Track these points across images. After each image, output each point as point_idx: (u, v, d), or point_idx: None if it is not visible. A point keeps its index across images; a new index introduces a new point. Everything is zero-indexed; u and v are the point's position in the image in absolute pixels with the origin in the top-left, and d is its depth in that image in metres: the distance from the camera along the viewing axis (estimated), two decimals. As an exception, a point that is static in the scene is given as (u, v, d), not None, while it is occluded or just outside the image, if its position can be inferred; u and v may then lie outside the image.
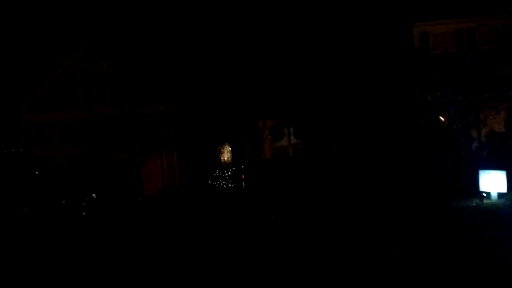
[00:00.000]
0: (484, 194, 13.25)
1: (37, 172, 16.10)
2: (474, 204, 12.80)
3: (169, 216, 13.36)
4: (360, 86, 19.18)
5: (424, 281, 7.33)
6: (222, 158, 23.85)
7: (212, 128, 23.17)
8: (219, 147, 23.72)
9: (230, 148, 23.08)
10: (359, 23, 18.40)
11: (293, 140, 22.87)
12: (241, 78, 19.90)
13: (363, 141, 20.42)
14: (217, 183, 21.73)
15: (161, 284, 8.02)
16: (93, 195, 13.90)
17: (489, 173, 13.60)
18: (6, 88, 24.24)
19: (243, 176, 20.83)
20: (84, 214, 13.59)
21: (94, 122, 20.13)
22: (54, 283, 8.42)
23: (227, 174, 21.61)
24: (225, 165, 23.18)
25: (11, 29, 27.76)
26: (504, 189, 13.28)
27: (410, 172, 18.41)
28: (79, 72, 20.86)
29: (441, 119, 15.42)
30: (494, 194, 13.38)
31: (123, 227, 12.59)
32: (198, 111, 21.38)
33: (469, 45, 20.21)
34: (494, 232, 9.67)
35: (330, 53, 19.23)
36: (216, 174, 21.97)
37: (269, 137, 22.42)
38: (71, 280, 8.49)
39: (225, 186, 21.44)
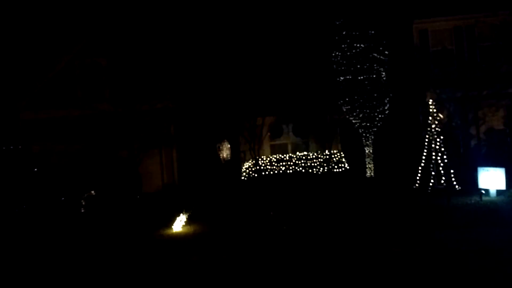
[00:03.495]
0: (483, 191, 13.24)
1: (36, 169, 16.06)
2: (472, 201, 12.79)
3: (167, 213, 13.33)
4: (359, 82, 19.13)
5: (420, 278, 7.34)
6: (221, 155, 23.85)
7: (211, 125, 23.19)
8: (218, 144, 23.72)
9: (229, 145, 23.07)
10: (358, 21, 18.37)
11: (292, 137, 22.89)
12: (241, 75, 19.87)
13: (361, 138, 20.38)
14: (215, 180, 21.76)
15: (158, 282, 8.01)
16: (92, 192, 13.87)
17: (488, 170, 13.58)
18: (5, 85, 24.21)
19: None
20: (83, 211, 13.55)
21: (93, 119, 20.11)
22: (53, 281, 8.41)
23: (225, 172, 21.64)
24: (224, 162, 23.20)
25: (10, 26, 27.70)
26: (503, 186, 13.27)
27: (409, 169, 18.41)
28: (78, 69, 20.84)
29: (440, 116, 15.41)
30: (493, 191, 13.37)
31: (121, 224, 12.58)
32: (197, 108, 21.38)
33: (468, 42, 20.22)
34: (493, 229, 9.67)
35: (328, 50, 19.21)
36: (214, 171, 21.99)
37: (268, 134, 22.42)
38: (70, 278, 8.49)
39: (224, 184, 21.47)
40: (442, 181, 14.38)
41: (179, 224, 11.27)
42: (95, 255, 9.55)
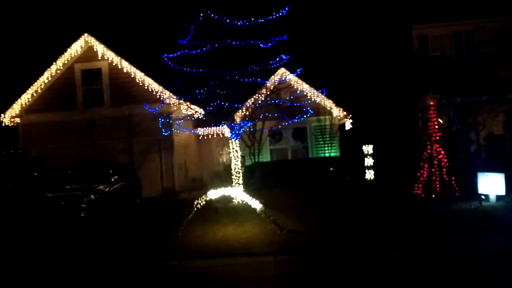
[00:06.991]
0: (483, 197, 13.24)
1: (35, 173, 16.07)
2: (472, 206, 12.79)
3: (166, 218, 13.33)
4: (359, 88, 19.20)
5: (418, 283, 7.35)
6: (221, 159, 23.85)
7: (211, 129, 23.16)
8: (218, 149, 23.73)
9: (228, 150, 23.07)
10: (359, 26, 18.47)
11: (292, 142, 22.92)
12: (239, 77, 19.80)
13: (361, 143, 20.42)
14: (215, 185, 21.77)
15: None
16: (92, 196, 13.85)
17: (487, 175, 13.58)
18: (5, 87, 24.24)
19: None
20: (83, 215, 13.53)
21: (93, 123, 20.14)
22: (52, 284, 8.41)
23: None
24: (224, 166, 23.23)
25: (11, 29, 27.77)
26: (502, 192, 13.27)
27: (409, 174, 18.43)
28: (78, 73, 20.88)
29: (440, 121, 15.43)
30: (492, 197, 13.37)
31: (120, 229, 12.57)
32: (196, 112, 21.34)
33: (468, 47, 20.30)
34: (492, 234, 9.68)
35: (330, 56, 19.30)
36: (213, 175, 22.02)
37: (268, 138, 22.45)
38: (69, 281, 8.49)
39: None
40: (442, 186, 14.38)
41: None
42: (93, 264, 9.52)
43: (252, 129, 20.72)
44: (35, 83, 20.73)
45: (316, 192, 17.19)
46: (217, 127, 22.98)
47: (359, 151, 20.69)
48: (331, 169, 20.62)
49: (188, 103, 20.04)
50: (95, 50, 20.54)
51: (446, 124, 17.33)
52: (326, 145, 21.64)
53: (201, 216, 11.87)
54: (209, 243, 10.12)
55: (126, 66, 20.33)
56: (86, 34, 20.60)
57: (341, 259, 8.68)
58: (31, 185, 14.98)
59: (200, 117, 21.61)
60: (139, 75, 20.23)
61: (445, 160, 14.67)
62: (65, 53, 20.67)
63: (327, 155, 21.55)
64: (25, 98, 20.73)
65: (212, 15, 14.99)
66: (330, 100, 21.79)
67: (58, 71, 20.77)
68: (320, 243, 9.66)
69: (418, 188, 15.19)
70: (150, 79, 20.28)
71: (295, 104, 22.26)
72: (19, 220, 13.78)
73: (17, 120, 20.90)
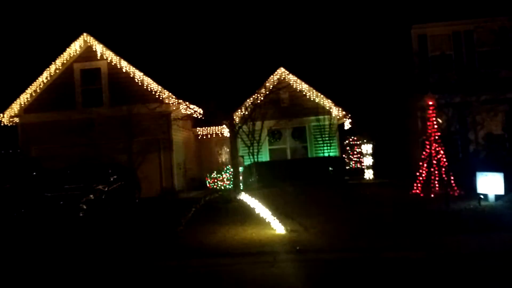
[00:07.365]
0: (482, 196, 13.25)
1: (34, 173, 16.05)
2: (471, 206, 12.80)
3: (165, 218, 13.31)
4: (358, 88, 19.19)
5: (418, 283, 7.35)
6: (220, 159, 23.86)
7: (209, 129, 23.15)
8: (217, 149, 23.73)
9: (228, 150, 23.09)
10: (358, 26, 18.47)
11: (291, 141, 22.92)
12: (241, 78, 19.84)
13: (360, 143, 20.41)
14: (214, 184, 21.78)
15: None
16: (91, 196, 13.85)
17: (486, 175, 13.59)
18: (4, 87, 24.22)
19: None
20: (81, 215, 13.53)
21: (92, 122, 20.12)
22: (52, 284, 8.40)
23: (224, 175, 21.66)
24: (223, 166, 23.22)
25: (10, 29, 27.74)
26: (501, 191, 13.28)
27: (408, 174, 18.44)
28: (77, 72, 20.86)
29: (439, 121, 15.44)
30: (491, 196, 13.38)
31: (119, 229, 12.56)
32: (196, 111, 21.35)
33: (467, 47, 20.30)
34: (490, 234, 9.69)
35: (328, 55, 19.29)
36: (213, 175, 22.01)
37: (267, 138, 22.44)
38: (68, 281, 8.48)
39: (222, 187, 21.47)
40: (441, 186, 14.39)
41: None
42: (92, 263, 9.51)
43: (251, 129, 20.68)
44: (34, 82, 20.70)
45: (315, 192, 17.17)
46: (216, 127, 23.03)
47: (358, 150, 20.70)
48: (330, 169, 20.60)
49: (187, 102, 20.08)
50: (94, 49, 20.54)
51: (445, 124, 17.34)
52: (325, 144, 21.64)
53: (200, 216, 11.85)
54: (208, 243, 10.13)
55: (125, 65, 20.33)
56: (85, 34, 20.61)
57: (340, 259, 8.69)
58: (30, 185, 14.96)
59: (199, 117, 21.66)
60: (138, 75, 20.24)
61: (444, 160, 14.67)
62: (64, 53, 20.65)
63: (326, 154, 21.56)
64: (24, 97, 20.71)
65: None
66: (329, 100, 21.79)
67: (57, 71, 20.76)
68: (319, 243, 9.66)
69: (417, 188, 15.20)
70: (149, 78, 20.25)
71: (294, 104, 22.30)
72: (18, 220, 13.76)
73: (16, 119, 20.89)
